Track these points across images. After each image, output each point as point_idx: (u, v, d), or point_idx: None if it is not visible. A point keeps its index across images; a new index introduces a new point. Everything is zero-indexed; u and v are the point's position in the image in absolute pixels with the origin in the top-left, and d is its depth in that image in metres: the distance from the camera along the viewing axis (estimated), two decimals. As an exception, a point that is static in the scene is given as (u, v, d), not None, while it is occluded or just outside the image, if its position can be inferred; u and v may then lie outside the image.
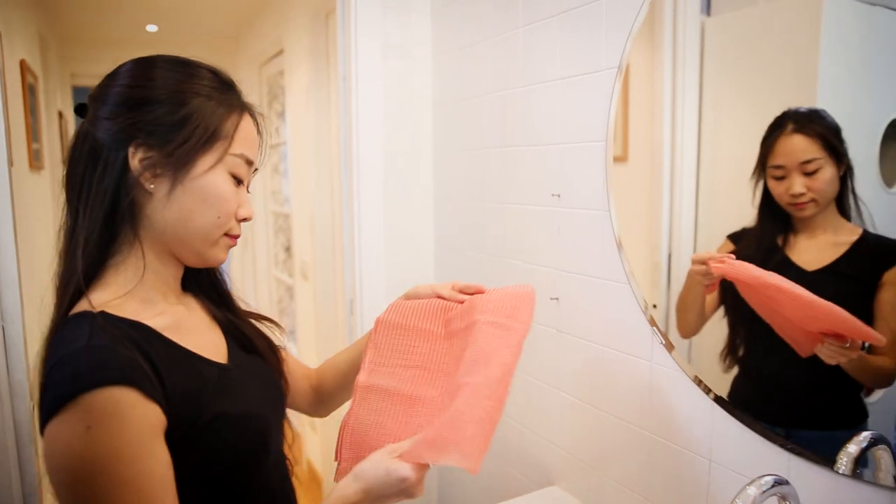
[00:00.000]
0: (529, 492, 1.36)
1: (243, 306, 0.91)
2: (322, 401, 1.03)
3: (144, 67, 0.74)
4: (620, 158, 1.14)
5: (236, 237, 0.78)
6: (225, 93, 0.76)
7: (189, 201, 0.72)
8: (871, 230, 0.82)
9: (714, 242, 0.99)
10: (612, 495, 1.20)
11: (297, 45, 2.83)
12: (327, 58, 2.66)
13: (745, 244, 0.95)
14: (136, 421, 0.61)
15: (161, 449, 0.63)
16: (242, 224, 0.79)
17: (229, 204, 0.75)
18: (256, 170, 0.81)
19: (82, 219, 0.71)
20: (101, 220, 0.71)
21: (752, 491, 0.78)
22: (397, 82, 1.71)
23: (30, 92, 2.40)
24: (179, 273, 0.80)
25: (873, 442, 0.82)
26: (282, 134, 3.37)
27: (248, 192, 0.80)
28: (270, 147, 0.85)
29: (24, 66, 2.23)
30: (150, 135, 0.70)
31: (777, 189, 0.89)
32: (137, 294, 0.72)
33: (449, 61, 1.66)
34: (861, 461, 0.81)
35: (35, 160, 2.43)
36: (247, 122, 0.77)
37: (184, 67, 0.75)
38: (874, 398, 0.82)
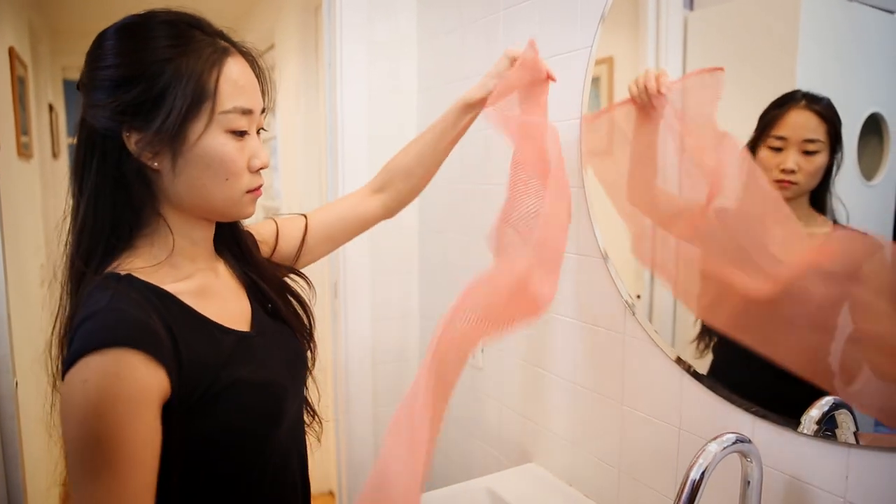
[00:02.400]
0: (507, 469, 1.38)
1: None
2: (399, 204, 1.09)
3: (118, 40, 0.70)
4: (606, 153, 1.16)
5: (258, 188, 0.76)
6: (203, 45, 0.70)
7: (194, 171, 0.71)
8: (843, 225, 0.83)
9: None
10: (588, 469, 1.22)
11: (288, 40, 2.85)
12: (317, 53, 2.68)
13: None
14: (131, 382, 0.62)
15: (150, 416, 0.63)
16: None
17: (235, 164, 0.72)
18: (265, 111, 0.77)
19: (84, 206, 0.70)
20: (112, 205, 0.70)
21: (714, 447, 0.80)
22: (382, 69, 1.73)
23: (19, 83, 2.40)
24: (210, 233, 0.79)
25: (835, 406, 0.84)
26: (272, 129, 3.38)
27: (261, 131, 0.77)
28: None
29: (12, 54, 2.24)
30: (136, 115, 0.68)
31: (768, 161, 0.88)
32: (167, 261, 0.73)
33: (433, 47, 1.69)
34: (821, 422, 0.84)
35: (24, 149, 2.44)
36: (232, 68, 0.71)
37: (155, 30, 0.70)
38: (855, 387, 0.83)
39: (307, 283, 0.94)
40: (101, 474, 0.59)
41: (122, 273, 0.69)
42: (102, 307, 0.64)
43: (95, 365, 0.60)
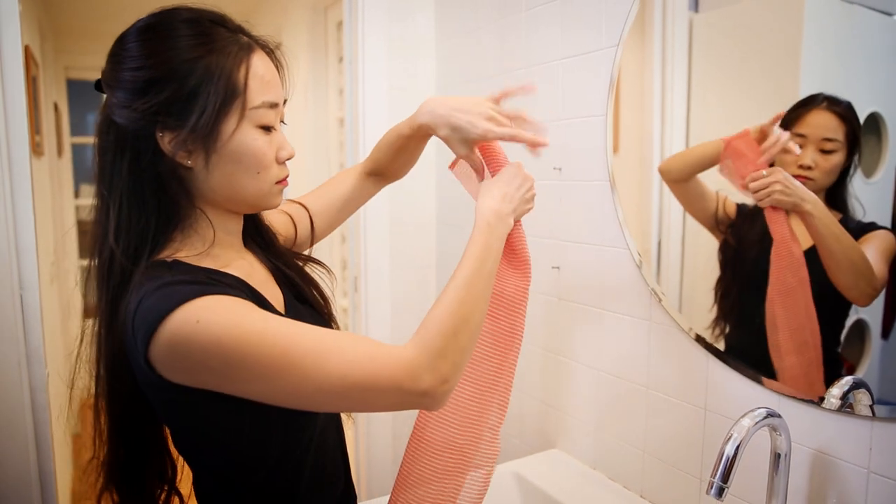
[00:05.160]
0: (531, 454, 1.42)
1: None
2: (388, 181, 1.10)
3: (144, 41, 0.70)
4: (612, 150, 1.20)
5: (285, 178, 0.78)
6: (228, 42, 0.71)
7: (227, 167, 0.72)
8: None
9: (701, 231, 1.06)
10: (612, 453, 1.26)
11: (296, 39, 2.88)
12: (326, 52, 2.71)
13: (745, 216, 1.01)
14: (241, 303, 0.65)
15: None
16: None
17: (265, 157, 0.74)
18: (286, 101, 0.78)
19: (114, 205, 0.70)
20: (147, 203, 0.71)
21: (746, 422, 0.84)
22: (402, 67, 1.77)
23: (33, 83, 2.42)
24: (240, 226, 0.82)
25: (855, 385, 0.89)
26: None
27: (283, 123, 0.78)
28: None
29: (28, 53, 2.26)
30: (169, 115, 0.68)
31: (787, 157, 0.94)
32: (207, 251, 0.75)
33: (453, 46, 1.73)
34: (844, 398, 0.88)
35: (37, 148, 2.46)
36: (258, 62, 0.73)
37: (182, 28, 0.71)
38: (860, 373, 0.88)
39: (326, 269, 0.96)
40: (276, 361, 0.63)
41: (169, 260, 0.71)
42: (168, 280, 0.66)
43: (195, 307, 0.62)
